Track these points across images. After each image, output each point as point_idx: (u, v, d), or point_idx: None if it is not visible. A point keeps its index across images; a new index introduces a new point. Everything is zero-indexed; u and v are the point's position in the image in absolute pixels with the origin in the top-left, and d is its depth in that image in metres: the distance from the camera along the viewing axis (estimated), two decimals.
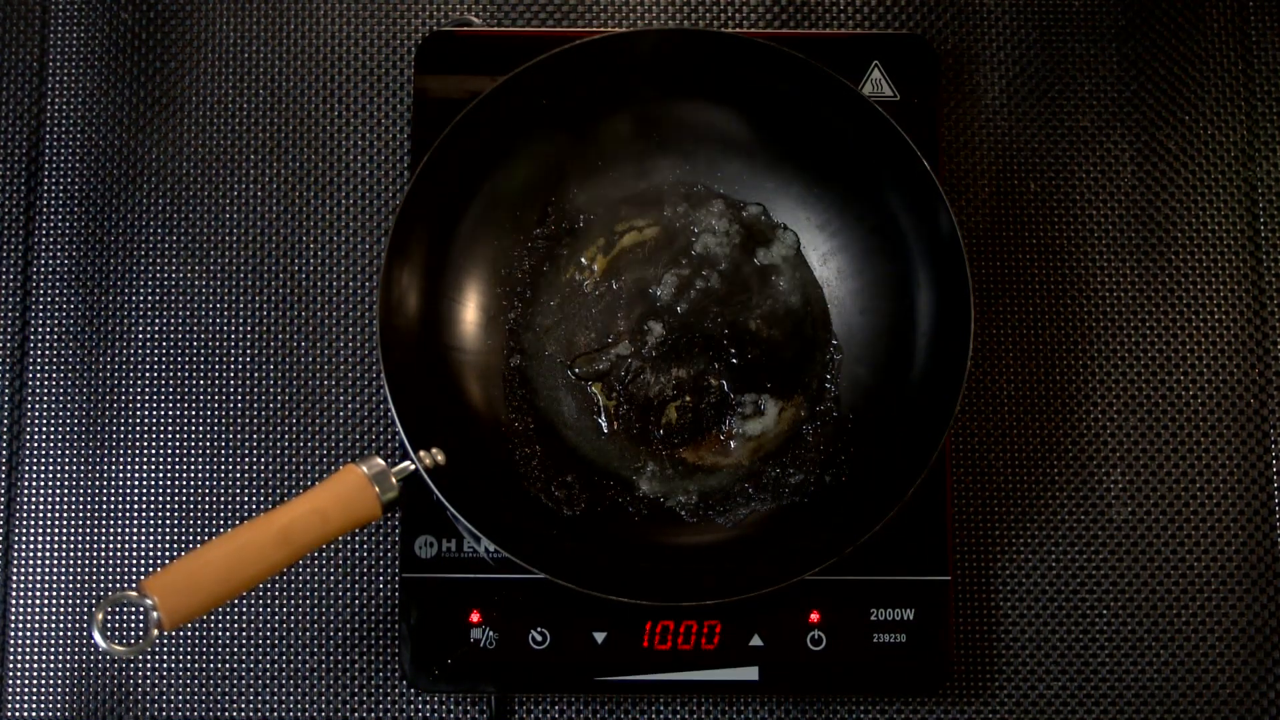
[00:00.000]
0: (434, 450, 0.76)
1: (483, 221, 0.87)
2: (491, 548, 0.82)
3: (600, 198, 0.89)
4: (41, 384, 0.88)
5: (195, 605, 0.66)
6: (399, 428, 0.77)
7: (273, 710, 0.85)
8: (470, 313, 0.86)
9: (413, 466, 0.75)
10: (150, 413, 0.88)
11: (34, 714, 0.85)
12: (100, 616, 0.67)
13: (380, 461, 0.73)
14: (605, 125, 0.87)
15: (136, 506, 0.87)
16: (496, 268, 0.87)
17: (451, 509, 0.76)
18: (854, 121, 0.83)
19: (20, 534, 0.86)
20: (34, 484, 0.87)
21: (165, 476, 0.87)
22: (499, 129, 0.84)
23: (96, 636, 0.66)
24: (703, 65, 0.85)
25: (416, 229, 0.82)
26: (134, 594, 0.65)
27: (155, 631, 0.65)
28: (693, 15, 0.93)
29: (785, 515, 0.84)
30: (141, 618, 0.66)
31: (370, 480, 0.72)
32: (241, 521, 0.86)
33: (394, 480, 0.73)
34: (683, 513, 0.84)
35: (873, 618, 0.82)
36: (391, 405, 0.77)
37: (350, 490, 0.71)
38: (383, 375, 0.78)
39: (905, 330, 0.84)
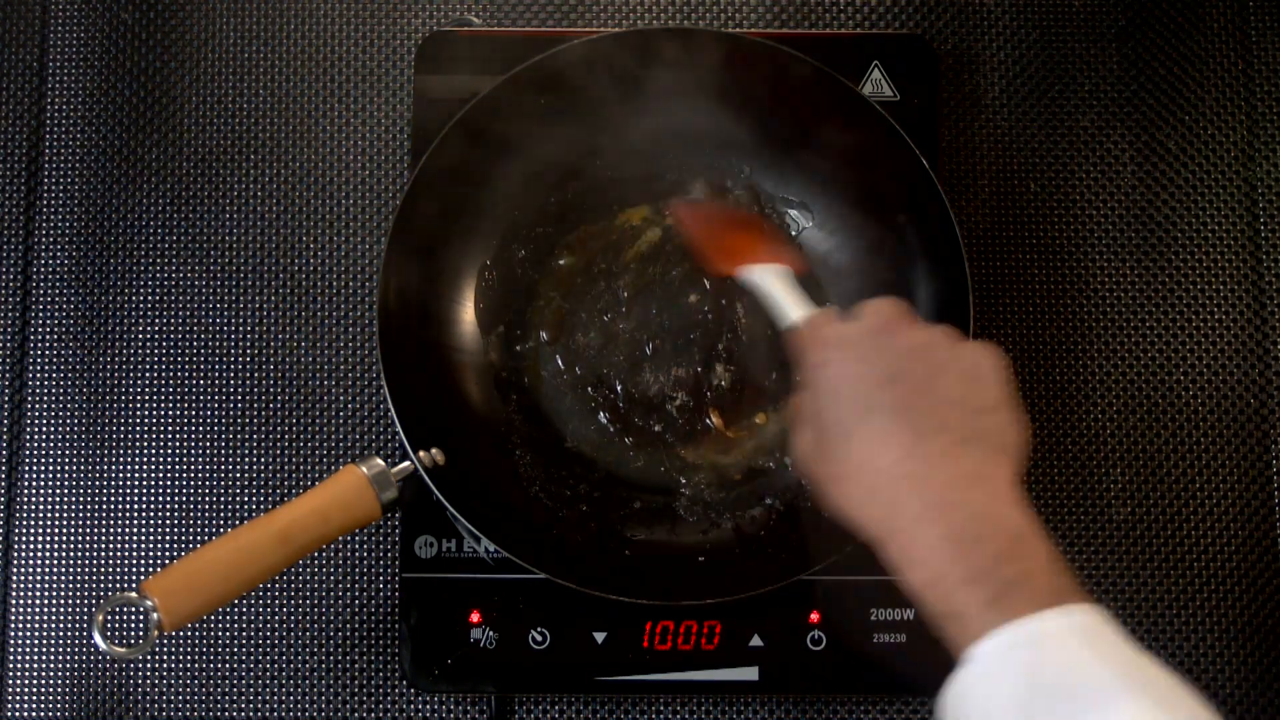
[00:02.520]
0: (434, 450, 0.76)
1: (482, 221, 0.87)
2: (492, 548, 0.82)
3: (599, 197, 0.89)
4: (41, 384, 0.88)
5: (196, 606, 0.66)
6: (399, 428, 0.77)
7: (273, 710, 0.85)
8: (470, 313, 0.86)
9: (412, 467, 0.75)
10: (150, 413, 0.88)
11: (34, 714, 0.85)
12: (100, 618, 0.67)
13: (380, 462, 0.73)
14: (604, 125, 0.87)
15: (136, 507, 0.87)
16: (496, 267, 0.87)
17: (451, 509, 0.76)
18: (853, 121, 0.83)
19: (20, 534, 0.86)
20: (34, 484, 0.87)
21: (165, 476, 0.87)
22: (498, 129, 0.84)
23: (97, 638, 0.66)
24: (702, 65, 0.85)
25: (416, 229, 0.82)
26: (134, 595, 0.65)
27: (156, 633, 0.65)
28: (692, 15, 0.93)
29: (785, 515, 0.84)
30: (142, 619, 0.65)
31: (370, 480, 0.72)
32: (241, 522, 0.86)
33: (394, 480, 0.73)
34: (682, 512, 0.84)
35: (873, 618, 0.82)
36: (391, 406, 0.77)
37: (350, 491, 0.71)
38: (382, 376, 0.78)
39: None
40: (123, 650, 0.66)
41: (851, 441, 0.58)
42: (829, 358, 0.61)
